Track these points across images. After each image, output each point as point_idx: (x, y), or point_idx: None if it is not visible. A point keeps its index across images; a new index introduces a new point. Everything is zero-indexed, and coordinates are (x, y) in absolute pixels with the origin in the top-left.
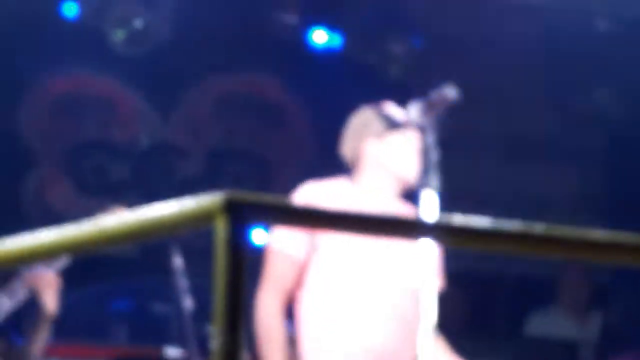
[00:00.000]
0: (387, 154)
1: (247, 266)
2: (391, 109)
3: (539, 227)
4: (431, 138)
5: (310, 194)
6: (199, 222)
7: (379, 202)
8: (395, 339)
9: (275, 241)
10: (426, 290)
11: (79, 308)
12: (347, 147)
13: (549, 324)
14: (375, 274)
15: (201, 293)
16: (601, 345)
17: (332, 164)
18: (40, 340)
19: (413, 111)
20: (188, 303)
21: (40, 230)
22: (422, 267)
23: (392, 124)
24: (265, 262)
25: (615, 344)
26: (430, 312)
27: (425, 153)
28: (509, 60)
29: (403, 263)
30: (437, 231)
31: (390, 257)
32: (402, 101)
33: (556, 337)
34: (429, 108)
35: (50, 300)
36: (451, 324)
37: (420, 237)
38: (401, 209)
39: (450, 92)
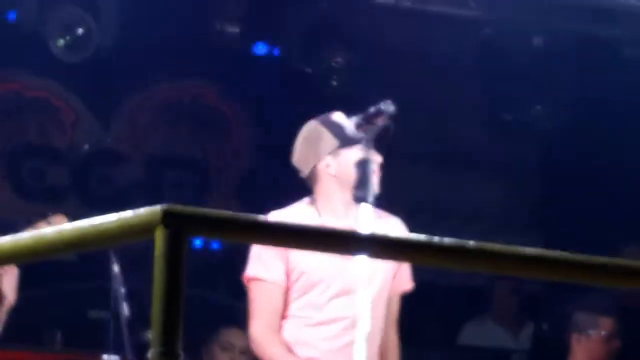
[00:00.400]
0: (343, 171)
1: (184, 276)
2: (340, 122)
3: (470, 243)
4: (368, 151)
5: None
6: (138, 235)
7: (335, 221)
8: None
9: (253, 270)
10: (365, 296)
11: (15, 312)
12: (300, 162)
13: (482, 333)
14: (338, 287)
15: (139, 299)
16: (533, 354)
17: (270, 171)
18: None
19: (351, 126)
20: (125, 309)
21: None
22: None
23: (344, 140)
24: (249, 293)
25: (546, 354)
26: (366, 317)
27: (362, 166)
28: (446, 73)
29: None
30: (372, 245)
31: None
32: (340, 110)
33: (489, 347)
34: (366, 122)
35: (9, 288)
36: None
37: (356, 251)
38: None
39: (387, 107)
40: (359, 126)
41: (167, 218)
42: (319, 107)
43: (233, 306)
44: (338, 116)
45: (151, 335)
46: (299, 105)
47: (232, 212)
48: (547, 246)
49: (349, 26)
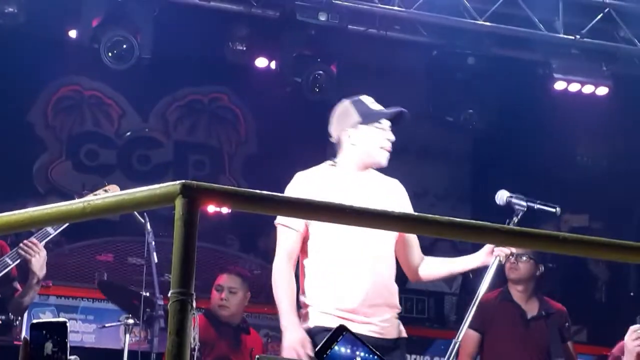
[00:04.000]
0: (360, 142)
1: (196, 235)
2: (366, 102)
3: (415, 214)
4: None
5: (300, 179)
6: (163, 203)
7: (349, 176)
8: (371, 296)
9: (281, 219)
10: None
11: (73, 258)
12: (332, 131)
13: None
14: (353, 242)
15: (165, 249)
16: (460, 296)
17: (269, 155)
18: (30, 295)
19: (373, 106)
20: (154, 257)
21: (46, 198)
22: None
23: (365, 118)
24: (277, 236)
25: (469, 297)
26: None
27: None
28: (403, 83)
29: (374, 233)
30: (341, 214)
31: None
32: (321, 112)
33: (430, 290)
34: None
35: (38, 266)
36: None
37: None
38: (368, 180)
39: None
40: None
41: (185, 190)
42: (306, 108)
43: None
44: (366, 98)
45: (171, 279)
46: (291, 106)
47: (234, 187)
48: (473, 216)
49: (329, 47)
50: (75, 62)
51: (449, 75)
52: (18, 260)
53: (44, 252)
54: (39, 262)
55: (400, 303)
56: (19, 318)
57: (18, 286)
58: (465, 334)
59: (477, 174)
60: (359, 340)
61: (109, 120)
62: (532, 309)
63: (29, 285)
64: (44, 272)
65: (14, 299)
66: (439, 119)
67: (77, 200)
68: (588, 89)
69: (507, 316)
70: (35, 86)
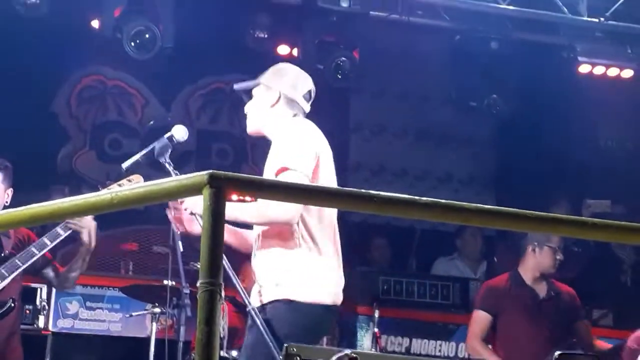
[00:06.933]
0: None
1: (224, 225)
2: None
3: (442, 201)
4: None
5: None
6: (190, 193)
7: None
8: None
9: None
10: None
11: (98, 247)
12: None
13: (450, 266)
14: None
15: (189, 237)
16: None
17: None
18: (79, 267)
19: None
20: (180, 246)
21: (68, 187)
22: None
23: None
24: None
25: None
26: None
27: None
28: (425, 69)
29: None
30: (366, 202)
31: None
32: (344, 99)
33: (454, 276)
34: None
35: (87, 237)
36: (379, 264)
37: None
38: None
39: None
40: None
41: (212, 180)
42: (329, 95)
43: None
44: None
45: (199, 268)
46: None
47: (258, 176)
48: (498, 202)
49: (351, 33)
50: (98, 52)
51: (472, 60)
52: (69, 231)
53: (94, 222)
54: (89, 232)
55: (425, 289)
56: (47, 307)
57: (58, 266)
58: (477, 315)
59: (501, 159)
60: None
61: (132, 109)
62: (541, 289)
63: (78, 258)
64: (94, 244)
65: (61, 274)
66: (463, 104)
67: (105, 191)
68: (613, 71)
69: (520, 299)
70: (59, 76)
